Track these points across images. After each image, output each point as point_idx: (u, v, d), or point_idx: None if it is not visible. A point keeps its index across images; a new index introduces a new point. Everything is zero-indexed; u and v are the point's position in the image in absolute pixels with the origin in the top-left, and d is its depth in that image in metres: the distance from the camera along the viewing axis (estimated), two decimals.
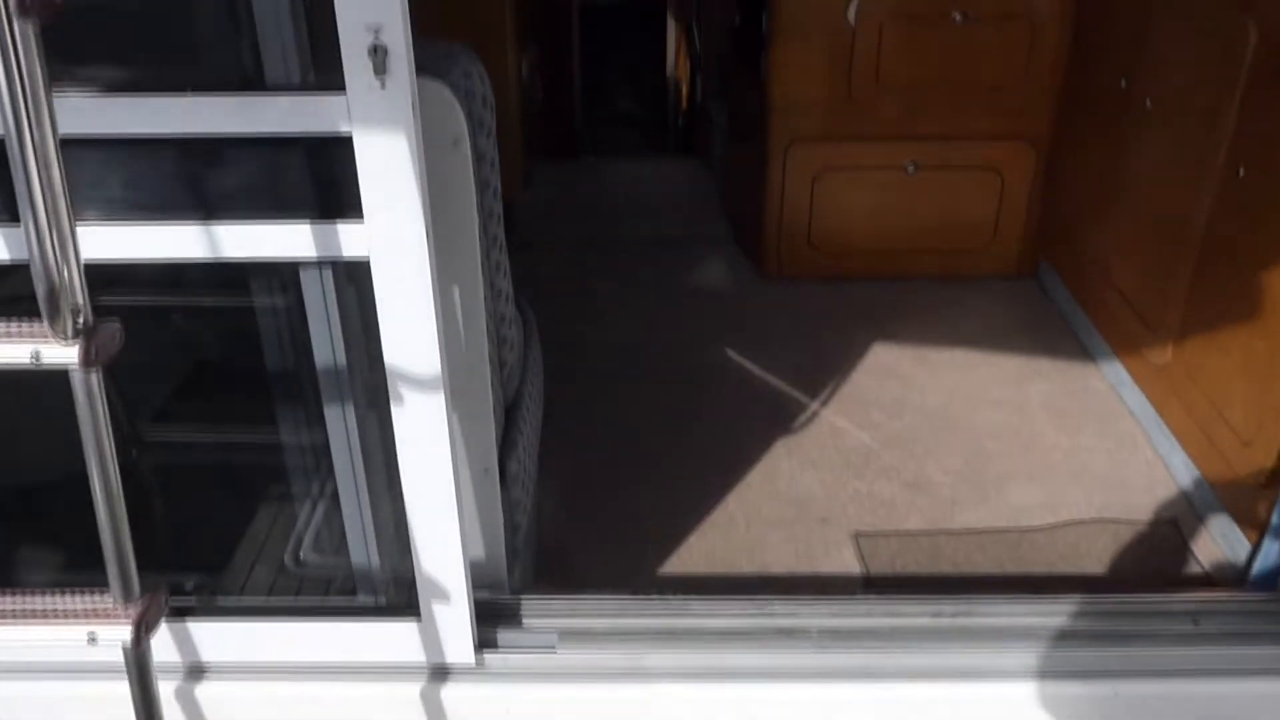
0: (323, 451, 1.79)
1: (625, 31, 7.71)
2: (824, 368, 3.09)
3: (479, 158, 1.65)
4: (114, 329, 1.16)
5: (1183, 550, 2.44)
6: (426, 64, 1.53)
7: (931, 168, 3.40)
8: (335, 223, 1.46)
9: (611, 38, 7.70)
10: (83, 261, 1.13)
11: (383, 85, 1.35)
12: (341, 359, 1.64)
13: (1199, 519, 2.49)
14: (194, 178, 1.44)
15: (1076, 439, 2.79)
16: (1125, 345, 2.91)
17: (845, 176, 3.42)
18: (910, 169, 3.38)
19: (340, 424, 1.73)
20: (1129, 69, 2.85)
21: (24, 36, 1.02)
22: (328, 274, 1.55)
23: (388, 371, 1.54)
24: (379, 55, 1.34)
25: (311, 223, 1.46)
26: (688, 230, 3.91)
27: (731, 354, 3.16)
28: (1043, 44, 3.22)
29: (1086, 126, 3.16)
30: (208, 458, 2.07)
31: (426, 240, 1.46)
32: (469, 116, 1.59)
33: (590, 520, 2.49)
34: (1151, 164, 2.77)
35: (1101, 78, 3.03)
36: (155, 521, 2.03)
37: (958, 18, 3.17)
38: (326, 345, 1.63)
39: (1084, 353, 3.16)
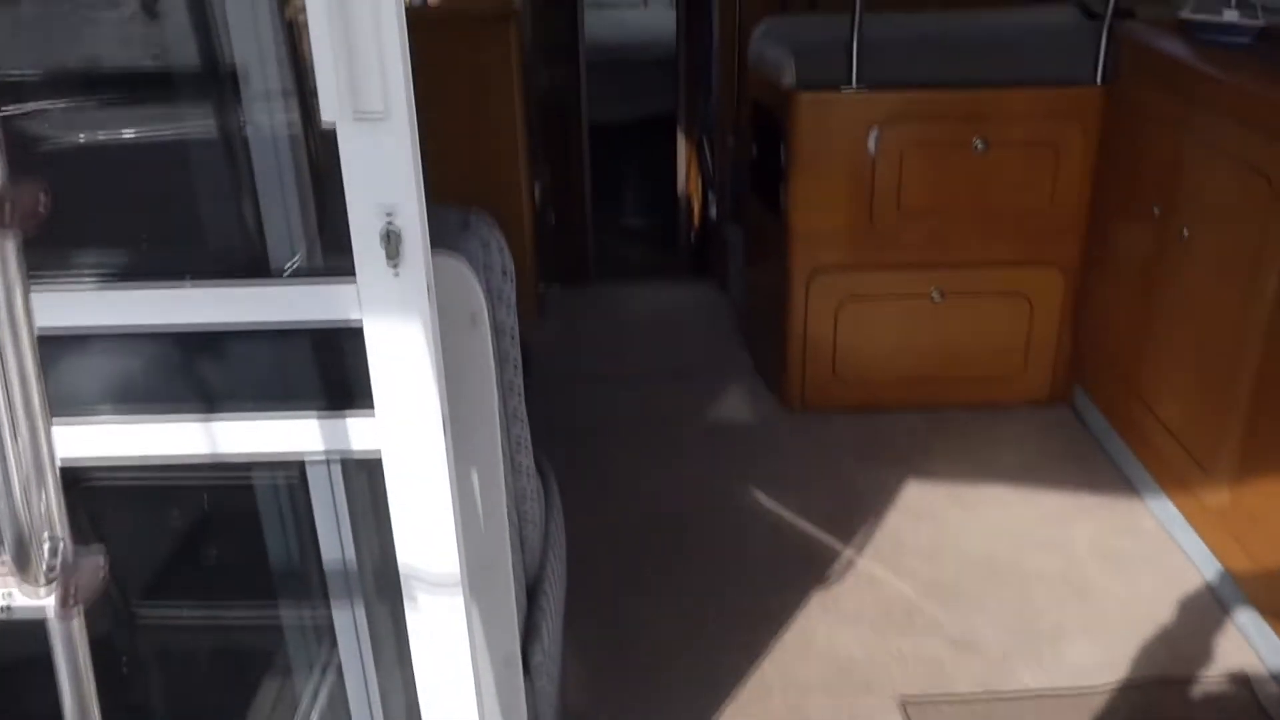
0: (329, 642, 1.65)
1: (636, 148, 7.76)
2: (857, 509, 2.94)
3: (498, 332, 1.54)
4: (97, 563, 1.03)
5: (1257, 712, 2.25)
6: (442, 235, 1.43)
7: (958, 295, 3.30)
8: (344, 415, 1.34)
9: (622, 155, 7.74)
10: (70, 463, 1.02)
11: (395, 272, 1.25)
12: (350, 553, 1.51)
13: (1274, 677, 2.31)
14: (191, 371, 1.34)
15: (1132, 586, 2.62)
16: (1175, 483, 2.77)
17: (870, 306, 3.32)
18: (936, 297, 3.29)
19: (348, 617, 1.60)
20: (1161, 197, 2.77)
21: (2, 250, 0.92)
22: (336, 467, 1.43)
23: (401, 572, 1.40)
24: (392, 241, 1.24)
25: (319, 416, 1.34)
26: (708, 361, 3.81)
27: (760, 496, 3.02)
28: (1067, 170, 3.15)
29: (1118, 253, 3.06)
30: (203, 642, 1.93)
31: (443, 431, 1.34)
32: (488, 291, 1.49)
33: (619, 699, 2.32)
34: (1192, 295, 2.66)
35: (1131, 204, 2.94)
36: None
37: (979, 145, 3.11)
38: (334, 540, 1.50)
39: (1129, 487, 3.01)
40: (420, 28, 3.64)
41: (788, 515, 2.93)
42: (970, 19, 3.48)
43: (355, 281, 1.27)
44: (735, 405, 3.54)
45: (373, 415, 1.34)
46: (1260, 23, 2.72)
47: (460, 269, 1.44)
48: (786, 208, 3.24)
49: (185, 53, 1.42)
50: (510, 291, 1.58)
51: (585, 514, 2.65)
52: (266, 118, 1.35)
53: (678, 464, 3.21)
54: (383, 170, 1.23)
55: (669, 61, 7.18)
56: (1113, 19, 3.06)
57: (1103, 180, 3.12)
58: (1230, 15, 2.78)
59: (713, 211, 4.91)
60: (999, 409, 3.43)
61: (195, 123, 1.46)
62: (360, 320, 1.29)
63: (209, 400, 1.34)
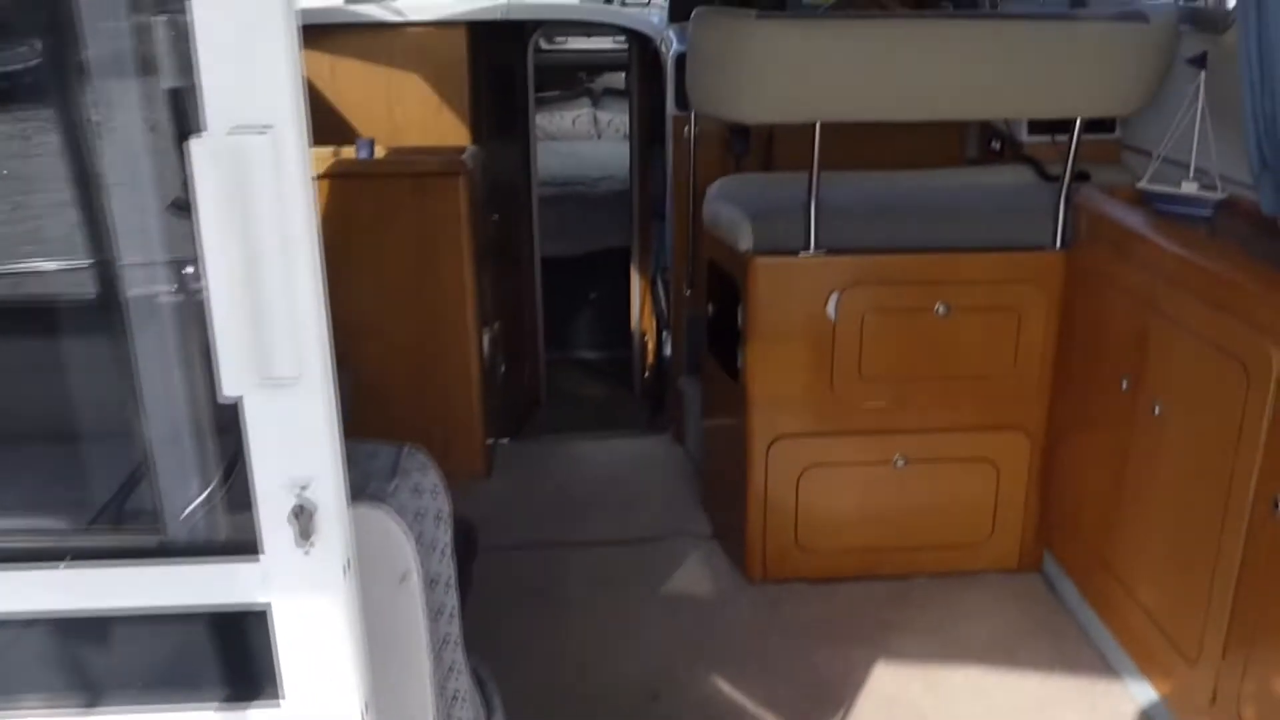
0: None
1: (590, 282, 7.71)
2: (825, 699, 2.76)
3: (430, 584, 1.38)
4: None
5: None
6: (367, 479, 1.28)
7: (922, 461, 3.19)
8: (248, 707, 1.16)
9: (575, 289, 7.68)
10: None
11: (307, 550, 1.09)
12: None
13: None
14: (73, 660, 1.15)
15: None
16: (1158, 671, 2.62)
17: (832, 473, 3.19)
18: (900, 463, 3.17)
19: None
20: (1129, 368, 2.69)
21: None
22: None
23: None
24: (304, 517, 1.08)
25: (218, 708, 1.16)
26: (665, 524, 3.64)
27: (722, 684, 2.83)
28: (1030, 334, 3.08)
29: (1086, 421, 2.98)
30: None
31: (363, 717, 1.17)
32: (419, 540, 1.33)
33: None
34: (1166, 476, 2.56)
35: (1098, 373, 2.87)
36: None
37: (940, 310, 3.04)
38: None
39: (1108, 669, 2.86)
40: (369, 179, 3.54)
41: (752, 707, 2.74)
42: (927, 179, 3.45)
43: (260, 560, 1.11)
44: (694, 574, 3.37)
45: (279, 706, 1.16)
46: (1220, 195, 2.69)
47: (388, 524, 1.29)
48: (745, 373, 3.13)
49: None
50: (445, 536, 1.43)
51: (531, 698, 2.45)
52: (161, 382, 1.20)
53: (632, 641, 3.02)
54: (295, 440, 1.08)
55: (624, 194, 7.19)
56: (1069, 183, 3.04)
57: (1067, 346, 3.05)
58: (1189, 187, 2.75)
59: (667, 349, 4.80)
60: (967, 577, 3.29)
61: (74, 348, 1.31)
62: (266, 602, 1.12)
63: (90, 691, 1.16)
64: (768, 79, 2.77)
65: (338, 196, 3.67)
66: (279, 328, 1.02)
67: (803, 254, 3.01)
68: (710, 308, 3.46)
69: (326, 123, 5.09)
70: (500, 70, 5.77)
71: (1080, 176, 3.20)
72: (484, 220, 5.50)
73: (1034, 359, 3.11)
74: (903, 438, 3.17)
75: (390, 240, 3.72)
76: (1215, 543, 2.34)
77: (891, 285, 3.05)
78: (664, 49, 4.25)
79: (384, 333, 3.81)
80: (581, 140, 8.91)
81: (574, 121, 9.03)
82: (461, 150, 3.84)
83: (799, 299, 3.04)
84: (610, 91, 9.34)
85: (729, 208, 3.17)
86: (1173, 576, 2.54)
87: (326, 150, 3.87)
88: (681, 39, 4.07)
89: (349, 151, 3.81)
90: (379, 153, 3.85)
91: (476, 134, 5.26)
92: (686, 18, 4.43)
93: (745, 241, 3.05)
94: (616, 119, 8.92)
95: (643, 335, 6.74)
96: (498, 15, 5.00)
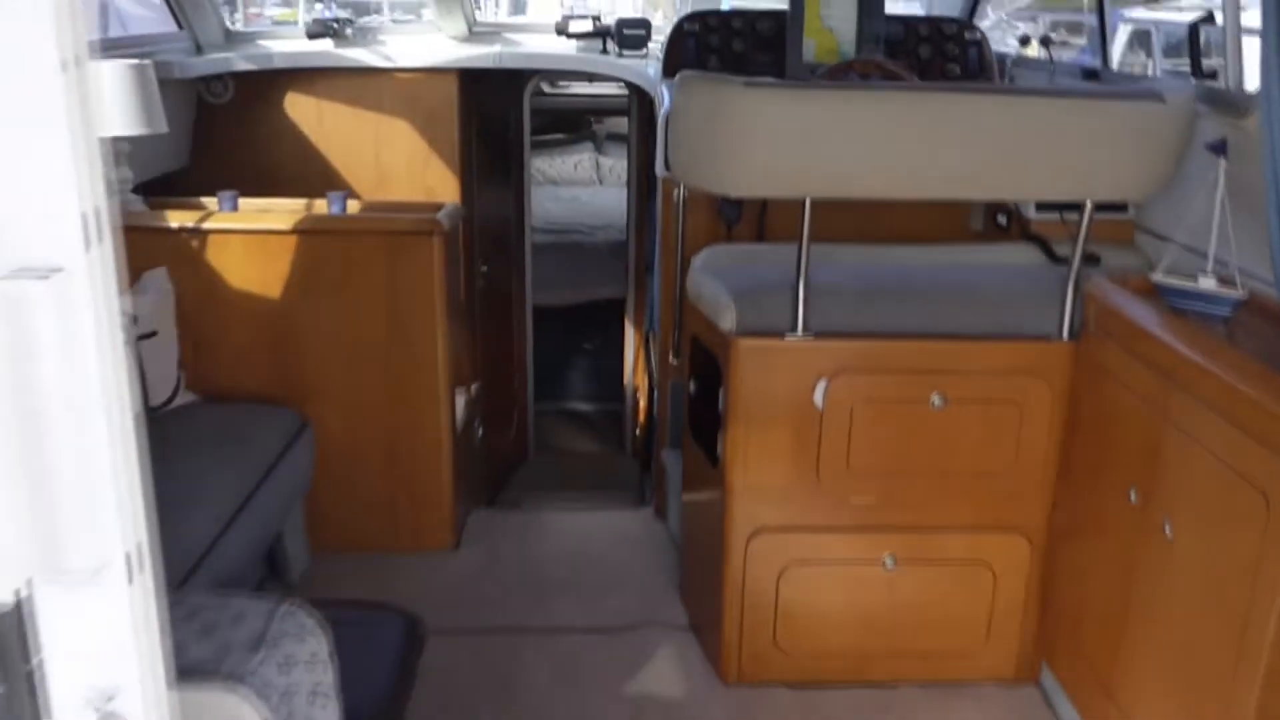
0: None
1: (582, 333, 7.51)
2: None
3: None
4: None
5: None
6: (225, 651, 1.07)
7: (913, 562, 2.96)
8: None
9: (567, 339, 7.49)
10: None
11: None
12: None
13: None
14: None
15: None
16: None
17: (815, 571, 2.97)
18: (889, 563, 2.94)
19: None
20: (1138, 480, 2.47)
21: None
22: None
23: None
24: None
25: None
26: (639, 612, 3.41)
27: None
28: (1033, 430, 2.86)
29: (1090, 529, 2.75)
30: None
31: None
32: None
33: None
34: (1175, 605, 2.33)
35: (1105, 479, 2.65)
36: None
37: (936, 401, 2.82)
38: None
39: None
40: (338, 236, 3.33)
41: None
42: (927, 255, 3.25)
43: None
44: (665, 672, 3.13)
45: None
46: (1241, 295, 2.48)
47: (242, 710, 1.07)
48: (725, 460, 2.92)
49: None
50: (326, 713, 1.21)
51: None
52: None
53: None
54: (96, 645, 0.87)
55: (621, 245, 7.01)
56: (1078, 268, 2.83)
57: (1073, 445, 2.84)
58: (1207, 282, 2.55)
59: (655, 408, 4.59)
60: (959, 687, 3.05)
61: None
62: None
63: None
64: (755, 152, 2.57)
65: (305, 253, 3.48)
66: (69, 510, 0.81)
67: (789, 337, 2.81)
68: (692, 385, 3.25)
69: (311, 170, 4.93)
70: (495, 115, 5.62)
71: (1090, 259, 3.00)
72: (471, 271, 5.33)
73: (1037, 457, 2.89)
74: (893, 536, 2.94)
75: (359, 300, 3.53)
76: (1229, 684, 2.11)
77: (884, 373, 2.84)
78: (657, 105, 4.08)
79: (349, 396, 3.62)
80: (582, 186, 8.76)
81: (575, 166, 8.89)
82: (438, 207, 3.66)
83: (784, 384, 2.83)
84: (614, 136, 9.21)
85: (713, 283, 2.97)
86: (1184, 711, 2.31)
87: (299, 203, 3.69)
88: (669, 98, 3.89)
89: (321, 205, 3.63)
90: (353, 207, 3.67)
91: (466, 183, 5.10)
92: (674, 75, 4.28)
93: (728, 321, 2.85)
94: (619, 165, 8.79)
95: (635, 391, 6.54)
96: (489, 64, 4.84)
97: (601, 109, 8.67)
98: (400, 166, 5.04)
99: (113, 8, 5.16)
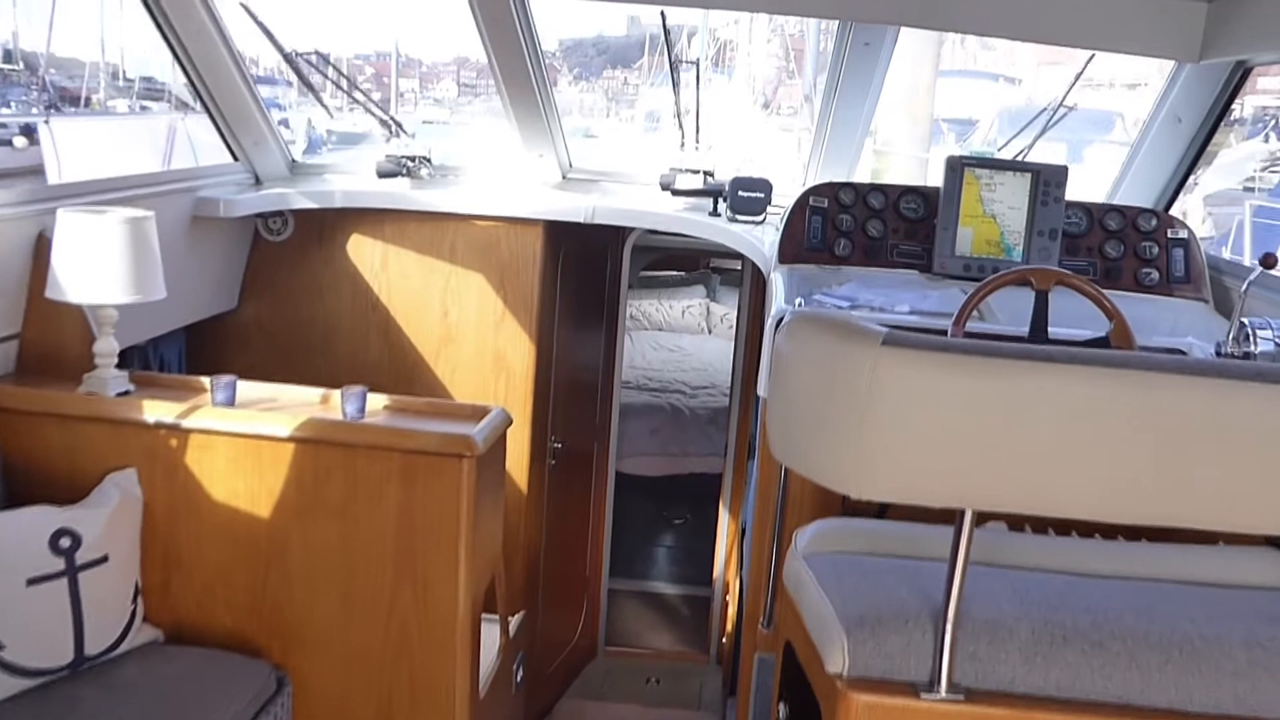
0: None
1: (672, 507, 6.66)
2: None
3: None
4: None
5: None
6: None
7: None
8: None
9: (655, 511, 6.65)
10: None
11: None
12: None
13: None
14: None
15: None
16: None
17: None
18: None
19: None
20: None
21: None
22: None
23: None
24: None
25: None
26: None
27: None
28: None
29: None
30: None
31: None
32: None
33: None
34: None
35: None
36: None
37: None
38: None
39: None
40: (347, 450, 2.54)
41: None
42: (1137, 562, 2.30)
43: None
44: None
45: None
46: None
47: None
48: None
49: None
50: None
51: None
52: None
53: None
54: None
55: (723, 412, 6.20)
56: None
57: None
58: None
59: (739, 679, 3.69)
60: None
61: None
62: None
63: None
64: (896, 442, 1.72)
65: (305, 465, 2.76)
66: None
67: (927, 696, 1.91)
68: (782, 708, 2.36)
69: (369, 323, 4.34)
70: (588, 263, 4.93)
71: None
72: (542, 447, 4.58)
73: None
74: None
75: (364, 529, 2.77)
76: None
77: None
78: (770, 292, 3.29)
79: (341, 647, 2.84)
80: (690, 333, 8.00)
81: (684, 312, 8.15)
82: (482, 414, 2.90)
83: None
84: (730, 278, 8.46)
85: (818, 593, 2.10)
86: None
87: (311, 395, 2.98)
88: (789, 292, 3.09)
89: (337, 398, 2.90)
90: (376, 403, 2.94)
91: (543, 347, 4.40)
92: (797, 260, 3.50)
93: (836, 659, 1.96)
94: (732, 314, 8.01)
95: (725, 587, 5.64)
96: (580, 218, 4.16)
97: (716, 251, 7.96)
98: (469, 325, 4.37)
99: (184, 135, 4.70)
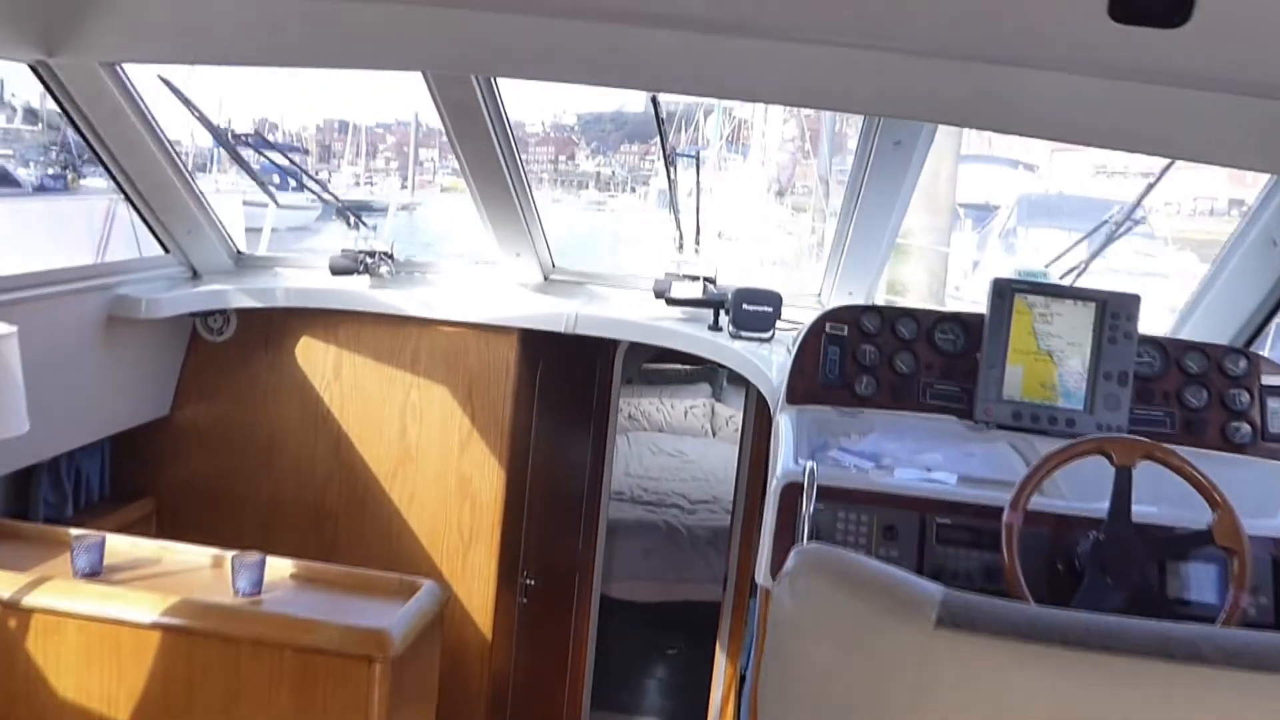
0: None
1: (663, 636, 6.02)
2: None
3: None
4: None
5: None
6: None
7: None
8: None
9: (645, 639, 6.00)
10: None
11: None
12: None
13: None
14: None
15: None
16: None
17: None
18: None
19: None
20: None
21: None
22: None
23: None
24: None
25: None
26: None
27: None
28: None
29: None
30: None
31: None
32: None
33: None
34: None
35: None
36: None
37: None
38: None
39: None
40: (228, 644, 1.97)
41: None
42: None
43: None
44: None
45: None
46: None
47: None
48: None
49: None
50: None
51: None
52: None
53: None
54: None
55: (723, 533, 5.59)
56: None
57: None
58: None
59: None
60: None
61: None
62: None
63: None
64: None
65: (176, 658, 2.16)
66: None
67: None
68: None
69: (317, 439, 3.78)
70: (572, 365, 4.37)
71: None
72: (513, 588, 3.99)
73: None
74: None
75: None
76: None
77: None
78: (774, 439, 2.71)
79: None
80: (693, 436, 7.38)
81: (687, 412, 7.54)
82: (411, 591, 2.30)
83: None
84: (737, 377, 7.88)
85: None
86: None
87: (203, 556, 2.39)
88: (798, 444, 2.50)
89: (225, 567, 2.30)
90: (280, 572, 2.35)
91: (514, 468, 3.82)
92: (810, 399, 2.92)
93: None
94: (738, 416, 7.42)
95: None
96: (561, 327, 3.61)
97: None
98: (431, 444, 3.79)
99: (128, 224, 4.16)
